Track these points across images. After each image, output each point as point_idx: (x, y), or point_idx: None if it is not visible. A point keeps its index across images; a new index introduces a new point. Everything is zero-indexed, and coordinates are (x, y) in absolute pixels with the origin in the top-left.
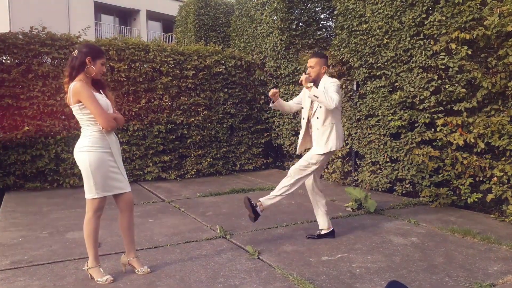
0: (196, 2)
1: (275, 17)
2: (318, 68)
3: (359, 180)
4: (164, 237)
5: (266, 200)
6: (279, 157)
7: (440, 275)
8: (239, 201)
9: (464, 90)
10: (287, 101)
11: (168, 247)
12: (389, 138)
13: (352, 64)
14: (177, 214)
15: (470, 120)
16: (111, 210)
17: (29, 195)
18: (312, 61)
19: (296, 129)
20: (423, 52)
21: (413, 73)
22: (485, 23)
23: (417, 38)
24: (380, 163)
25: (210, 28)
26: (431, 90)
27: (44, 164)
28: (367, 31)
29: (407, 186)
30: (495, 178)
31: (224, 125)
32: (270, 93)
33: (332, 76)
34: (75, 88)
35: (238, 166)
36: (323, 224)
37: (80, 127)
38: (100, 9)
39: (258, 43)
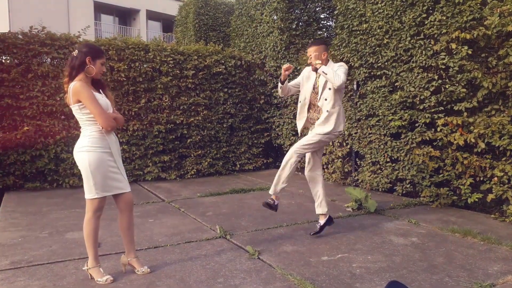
0: (196, 2)
1: (275, 17)
2: (318, 55)
3: (359, 180)
4: (164, 237)
5: (273, 188)
6: (279, 157)
7: (440, 275)
8: (239, 201)
9: (464, 90)
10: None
11: (168, 247)
12: (389, 138)
13: (352, 64)
14: (177, 214)
15: (471, 120)
16: (111, 210)
17: (29, 195)
18: (311, 50)
19: (296, 129)
20: (424, 52)
21: (414, 73)
22: (485, 23)
23: (418, 38)
24: (381, 163)
25: (210, 28)
26: (431, 90)
27: (44, 164)
28: (367, 30)
29: (408, 186)
30: (496, 178)
31: (224, 125)
32: (284, 67)
33: None
34: (75, 87)
35: (238, 166)
36: (322, 208)
37: (80, 127)
38: (100, 9)
39: (258, 43)
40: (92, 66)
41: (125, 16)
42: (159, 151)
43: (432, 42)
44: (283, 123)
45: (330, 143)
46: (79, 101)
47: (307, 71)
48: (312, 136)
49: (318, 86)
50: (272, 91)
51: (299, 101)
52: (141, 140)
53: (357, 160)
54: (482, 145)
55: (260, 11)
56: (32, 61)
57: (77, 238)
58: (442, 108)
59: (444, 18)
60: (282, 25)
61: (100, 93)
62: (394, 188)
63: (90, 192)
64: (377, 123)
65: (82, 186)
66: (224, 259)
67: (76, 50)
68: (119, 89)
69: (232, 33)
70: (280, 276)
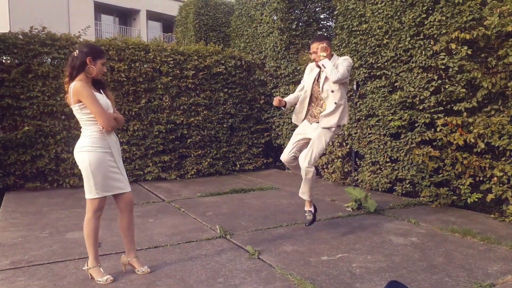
0: (196, 2)
1: (275, 17)
2: (323, 49)
3: (359, 180)
4: (164, 237)
5: (306, 196)
6: (279, 157)
7: (440, 275)
8: (239, 201)
9: (464, 90)
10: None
11: (168, 247)
12: (389, 138)
13: (352, 64)
14: (177, 214)
15: (470, 120)
16: (111, 210)
17: (29, 195)
18: (314, 47)
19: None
20: (423, 52)
21: (413, 73)
22: (485, 23)
23: (417, 38)
24: (380, 163)
25: (210, 28)
26: (431, 90)
27: (44, 164)
28: (367, 31)
29: (407, 186)
30: (495, 178)
31: (224, 125)
32: (275, 103)
33: None
34: (76, 87)
35: (238, 166)
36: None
37: (80, 127)
38: (100, 9)
39: (258, 43)
40: (92, 67)
41: (125, 16)
42: (159, 151)
43: (432, 42)
44: (283, 123)
45: (330, 143)
46: (80, 101)
47: (310, 66)
48: (318, 143)
49: (321, 79)
50: (272, 91)
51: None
52: (141, 140)
53: (356, 160)
54: (482, 145)
55: (260, 11)
56: (33, 61)
57: (77, 238)
58: (442, 108)
59: (444, 18)
60: (282, 26)
61: (100, 93)
62: (394, 188)
63: (90, 192)
64: (376, 123)
65: (82, 186)
66: (224, 259)
67: (77, 50)
68: (119, 89)
69: (232, 34)
70: (280, 276)
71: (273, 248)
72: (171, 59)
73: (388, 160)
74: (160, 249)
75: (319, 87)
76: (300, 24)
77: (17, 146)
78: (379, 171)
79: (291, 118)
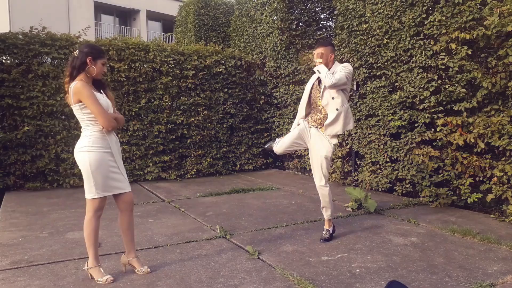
0: (196, 2)
1: (275, 17)
2: (325, 57)
3: (359, 180)
4: (164, 237)
5: (326, 215)
6: (279, 157)
7: (440, 275)
8: (239, 201)
9: (464, 90)
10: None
11: (168, 247)
12: (389, 138)
13: (352, 64)
14: (177, 214)
15: (470, 120)
16: (111, 210)
17: (29, 195)
18: (318, 51)
19: None
20: (423, 52)
21: (413, 73)
22: (485, 23)
23: (417, 38)
24: (380, 163)
25: (210, 28)
26: (431, 90)
27: (44, 164)
28: (367, 31)
29: (407, 186)
30: (495, 178)
31: (224, 125)
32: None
33: None
34: (76, 87)
35: (238, 166)
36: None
37: (80, 127)
38: (100, 9)
39: (258, 43)
40: (93, 67)
41: (125, 16)
42: (159, 151)
43: (432, 42)
44: (283, 123)
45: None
46: (80, 101)
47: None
48: (326, 155)
49: (322, 84)
50: (272, 91)
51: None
52: (142, 140)
53: (357, 160)
54: (482, 145)
55: (260, 11)
56: (33, 61)
57: (77, 238)
58: (442, 108)
59: (444, 18)
60: (282, 26)
61: (101, 93)
62: (394, 188)
63: (90, 192)
64: (376, 123)
65: (82, 186)
66: (224, 259)
67: (77, 50)
68: (119, 89)
69: (232, 34)
70: (280, 276)
71: (273, 248)
72: (171, 59)
73: (388, 160)
74: (160, 249)
75: (319, 93)
76: (300, 24)
77: (17, 146)
78: (379, 171)
79: (291, 118)
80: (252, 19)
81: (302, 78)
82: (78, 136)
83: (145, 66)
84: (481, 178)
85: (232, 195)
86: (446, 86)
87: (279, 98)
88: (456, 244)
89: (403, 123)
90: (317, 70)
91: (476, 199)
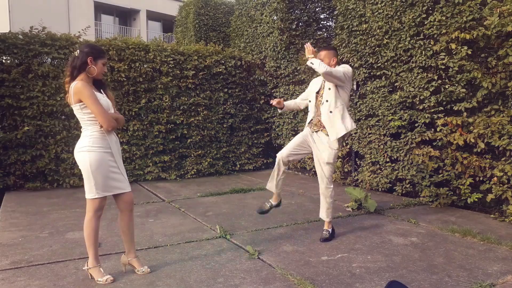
0: (196, 2)
1: (275, 17)
2: (328, 60)
3: (359, 180)
4: (164, 237)
5: (324, 216)
6: None
7: (440, 275)
8: (239, 201)
9: (464, 90)
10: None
11: (168, 247)
12: (389, 138)
13: (352, 64)
14: (177, 214)
15: (470, 120)
16: (111, 210)
17: (29, 195)
18: (321, 54)
19: (296, 129)
20: (423, 52)
21: (413, 73)
22: (485, 23)
23: (417, 38)
24: (380, 163)
25: (210, 28)
26: (431, 90)
27: (44, 164)
28: (367, 31)
29: (407, 186)
30: (495, 178)
31: (224, 125)
32: (274, 103)
33: None
34: (76, 87)
35: (238, 166)
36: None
37: (80, 127)
38: (100, 9)
39: (258, 43)
40: (93, 67)
41: (125, 16)
42: (159, 151)
43: (432, 42)
44: (283, 123)
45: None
46: (80, 101)
47: (314, 80)
48: (328, 161)
49: (323, 89)
50: (272, 91)
51: (309, 110)
52: (141, 140)
53: (356, 160)
54: (482, 145)
55: (260, 11)
56: (33, 61)
57: (77, 238)
58: (442, 108)
59: (444, 18)
60: (282, 26)
61: (101, 93)
62: (394, 188)
63: (90, 192)
64: (376, 123)
65: (82, 186)
66: (224, 259)
67: (78, 50)
68: (119, 89)
69: (232, 34)
70: (280, 276)
71: (273, 248)
72: (171, 59)
73: (388, 160)
74: (160, 249)
75: (321, 98)
76: (300, 24)
77: (17, 146)
78: (379, 171)
79: (291, 118)
80: (252, 19)
81: (302, 78)
82: (78, 136)
83: (145, 66)
84: (481, 178)
85: (232, 195)
86: (446, 86)
87: (279, 98)
88: (456, 244)
89: (403, 123)
90: (310, 63)
91: (476, 199)
